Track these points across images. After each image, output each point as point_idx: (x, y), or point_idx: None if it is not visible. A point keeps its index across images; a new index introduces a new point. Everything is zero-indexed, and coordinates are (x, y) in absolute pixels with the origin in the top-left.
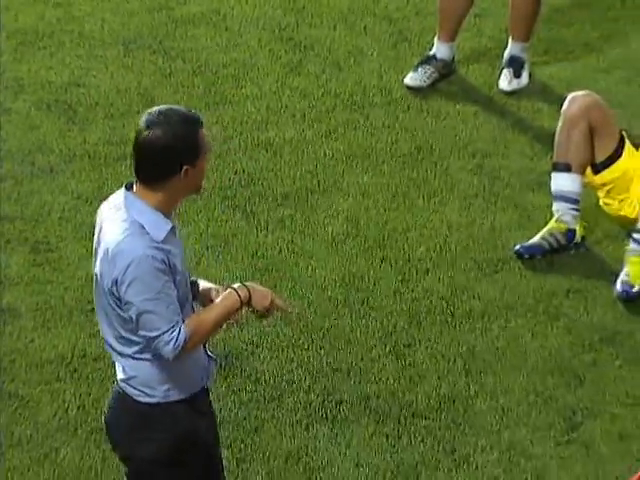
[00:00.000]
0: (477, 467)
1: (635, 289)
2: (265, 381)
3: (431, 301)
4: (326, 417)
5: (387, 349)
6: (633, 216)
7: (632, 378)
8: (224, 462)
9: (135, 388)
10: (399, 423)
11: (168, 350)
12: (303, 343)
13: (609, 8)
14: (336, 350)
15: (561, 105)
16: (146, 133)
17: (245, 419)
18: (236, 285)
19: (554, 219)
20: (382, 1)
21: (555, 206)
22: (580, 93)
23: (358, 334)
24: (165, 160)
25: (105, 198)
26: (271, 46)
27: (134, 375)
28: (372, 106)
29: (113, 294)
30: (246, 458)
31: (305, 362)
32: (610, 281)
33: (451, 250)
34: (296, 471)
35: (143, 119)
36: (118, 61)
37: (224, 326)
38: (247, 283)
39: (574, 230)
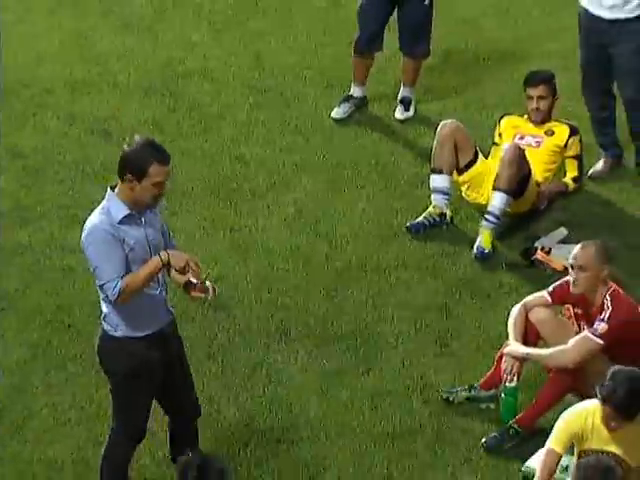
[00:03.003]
0: (382, 372)
1: (486, 251)
2: (238, 316)
3: (351, 261)
4: (280, 340)
5: (321, 294)
6: (485, 203)
7: (485, 311)
8: (213, 369)
9: (108, 324)
10: (329, 343)
11: (109, 295)
12: (264, 291)
13: (469, 62)
14: (286, 296)
15: (436, 129)
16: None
17: (225, 341)
18: (162, 252)
19: (432, 205)
20: (316, 59)
21: (433, 197)
22: (448, 121)
23: (302, 285)
24: (121, 166)
25: None
26: (242, 90)
27: (106, 314)
28: (310, 131)
29: (83, 252)
30: (226, 367)
31: (265, 303)
32: (470, 246)
33: (364, 227)
34: (260, 376)
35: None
36: (139, 101)
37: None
38: (169, 251)
39: (445, 213)
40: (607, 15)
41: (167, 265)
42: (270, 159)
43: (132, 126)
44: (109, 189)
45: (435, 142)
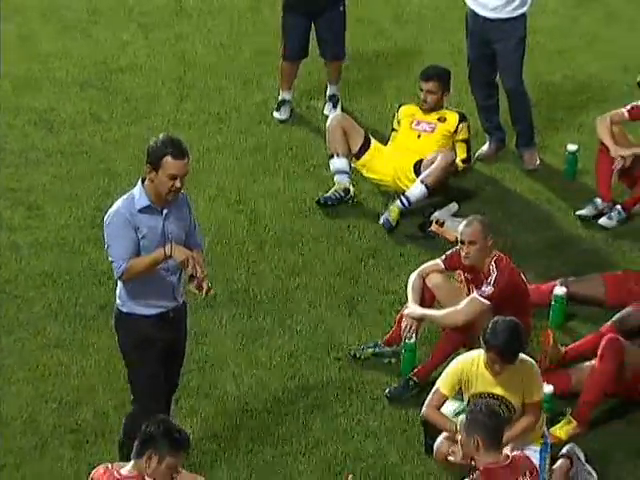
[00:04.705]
0: (297, 333)
1: (391, 222)
2: None
3: (269, 234)
4: (207, 306)
5: (242, 264)
6: (384, 180)
7: (387, 277)
8: None
9: (118, 298)
10: (251, 307)
11: (115, 272)
12: None
13: (370, 59)
14: (211, 267)
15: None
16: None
17: None
18: (167, 245)
19: (336, 184)
20: (235, 57)
21: (335, 178)
22: (333, 115)
23: (225, 257)
24: (145, 158)
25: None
26: (170, 85)
27: (119, 289)
28: (233, 120)
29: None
30: None
31: None
32: (372, 218)
33: (281, 204)
34: (189, 338)
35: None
36: (77, 95)
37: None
38: (175, 245)
39: (349, 189)
40: (490, 15)
41: (170, 257)
42: (195, 144)
43: (71, 117)
44: (140, 180)
45: (327, 133)
